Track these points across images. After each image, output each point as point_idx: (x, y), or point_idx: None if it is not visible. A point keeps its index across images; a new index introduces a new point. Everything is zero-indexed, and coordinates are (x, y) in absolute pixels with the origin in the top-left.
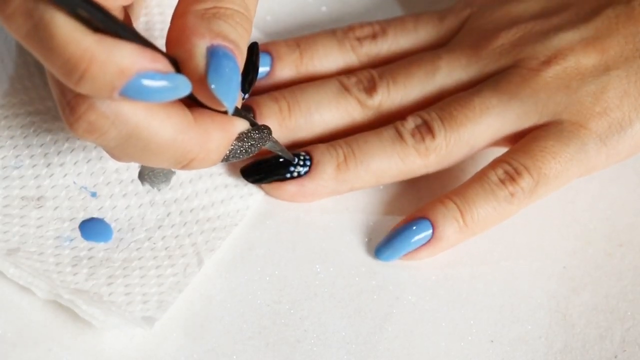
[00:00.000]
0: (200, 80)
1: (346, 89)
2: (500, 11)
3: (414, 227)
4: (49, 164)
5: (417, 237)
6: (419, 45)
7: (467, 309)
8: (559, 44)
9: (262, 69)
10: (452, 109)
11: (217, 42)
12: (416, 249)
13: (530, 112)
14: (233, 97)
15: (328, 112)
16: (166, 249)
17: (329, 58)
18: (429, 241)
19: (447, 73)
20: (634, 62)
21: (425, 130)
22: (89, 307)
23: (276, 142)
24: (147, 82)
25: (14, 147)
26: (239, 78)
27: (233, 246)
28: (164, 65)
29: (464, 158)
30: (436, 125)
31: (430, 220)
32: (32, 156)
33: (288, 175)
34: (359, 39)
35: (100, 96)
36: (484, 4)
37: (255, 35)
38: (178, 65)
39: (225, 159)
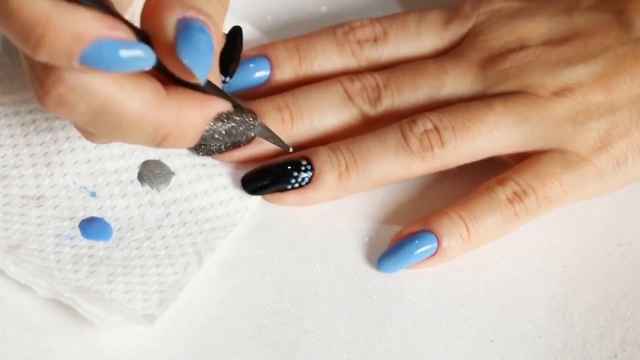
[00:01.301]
0: (171, 51)
1: (350, 97)
2: (507, 27)
3: (418, 241)
4: (48, 163)
5: (420, 250)
6: (421, 53)
7: (467, 309)
8: (568, 78)
9: (261, 74)
10: (465, 120)
11: (189, 14)
12: (419, 262)
13: (537, 137)
14: (204, 67)
15: (330, 121)
16: (166, 248)
17: (329, 62)
18: (432, 255)
19: (453, 89)
20: (638, 103)
21: (435, 137)
22: (90, 305)
23: (265, 128)
24: (107, 51)
25: (14, 146)
26: (212, 50)
27: (233, 246)
28: (125, 33)
29: (465, 164)
30: (447, 134)
31: (435, 234)
32: (32, 155)
33: (289, 186)
34: (359, 42)
35: (60, 63)
36: (491, 14)
37: (256, 35)
38: (149, 40)
39: (205, 139)
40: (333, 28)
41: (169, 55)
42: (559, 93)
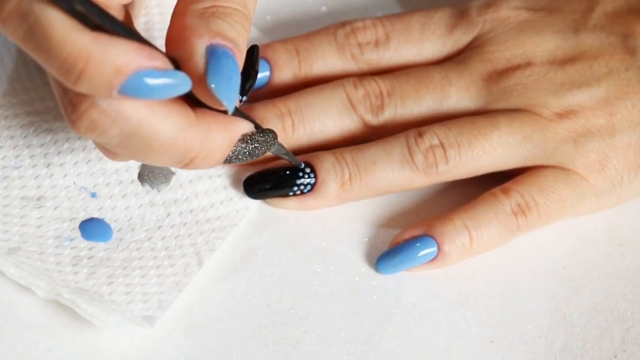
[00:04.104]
0: (200, 80)
1: (352, 105)
2: (514, 39)
3: (419, 245)
4: (48, 164)
5: (421, 254)
6: (422, 58)
7: (467, 309)
8: (571, 100)
9: (261, 75)
10: (471, 137)
11: (216, 41)
12: (418, 265)
13: (538, 156)
14: (233, 96)
15: (331, 129)
16: (166, 249)
17: (328, 65)
18: (432, 259)
19: (455, 101)
20: (637, 128)
21: (440, 153)
22: (90, 306)
23: (281, 146)
24: (145, 80)
25: (14, 147)
26: (239, 77)
27: (233, 246)
28: (162, 62)
29: None
30: (452, 151)
31: (436, 240)
32: (32, 156)
33: (291, 193)
34: (360, 45)
35: (100, 94)
36: (497, 23)
37: (255, 35)
38: (178, 64)
39: (228, 160)
40: (334, 29)
41: (198, 83)
42: (562, 115)
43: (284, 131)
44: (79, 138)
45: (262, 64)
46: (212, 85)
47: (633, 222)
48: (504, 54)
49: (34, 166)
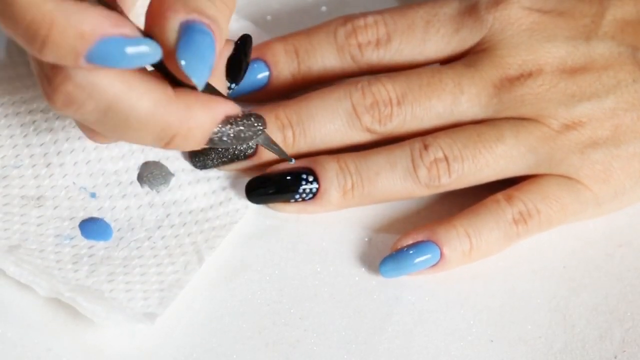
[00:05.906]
0: (172, 55)
1: (358, 116)
2: (524, 44)
3: (422, 250)
4: (48, 164)
5: (423, 259)
6: (424, 57)
7: (467, 309)
8: (581, 112)
9: (260, 75)
10: (476, 151)
11: (193, 17)
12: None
13: (542, 166)
14: (203, 73)
15: (333, 140)
16: (166, 247)
17: (327, 66)
18: (433, 265)
19: (466, 109)
20: None
21: (444, 167)
22: (90, 304)
23: (269, 138)
24: (112, 47)
25: (14, 147)
26: (213, 54)
27: (233, 246)
28: (130, 30)
29: None
30: (456, 165)
31: (439, 247)
32: (31, 156)
33: (292, 200)
34: (360, 46)
35: (67, 63)
36: (507, 23)
37: (257, 34)
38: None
39: (213, 143)
40: (335, 27)
41: (171, 58)
42: (570, 126)
43: (284, 142)
44: (79, 138)
45: (260, 65)
46: (182, 62)
47: (633, 222)
48: (515, 59)
49: (33, 166)
